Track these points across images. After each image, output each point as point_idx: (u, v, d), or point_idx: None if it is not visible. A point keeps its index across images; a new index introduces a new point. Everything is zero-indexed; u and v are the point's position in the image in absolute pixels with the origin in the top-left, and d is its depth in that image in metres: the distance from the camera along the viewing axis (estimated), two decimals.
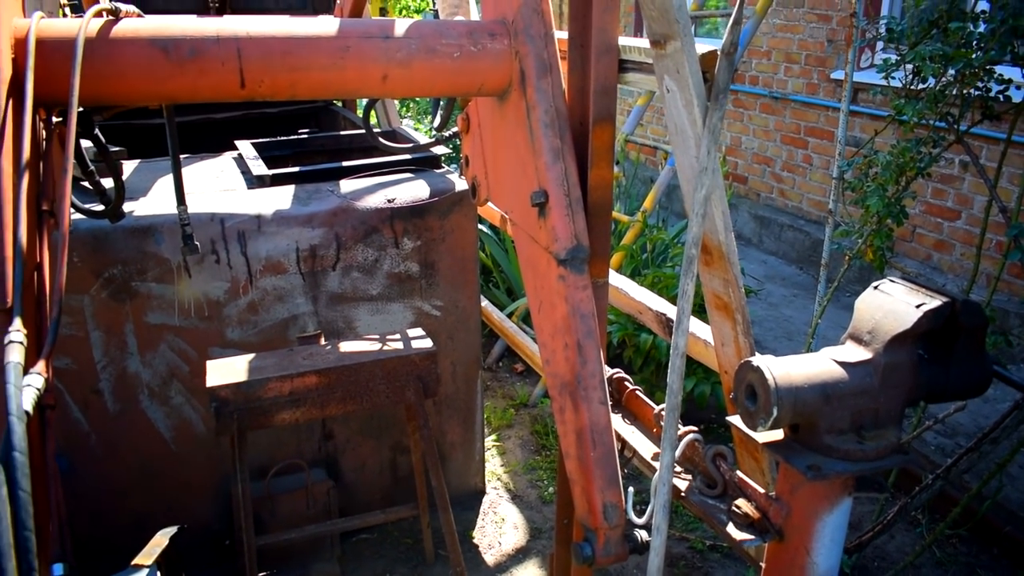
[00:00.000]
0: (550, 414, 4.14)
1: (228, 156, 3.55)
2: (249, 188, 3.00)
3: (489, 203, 2.43)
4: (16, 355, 1.47)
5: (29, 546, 1.22)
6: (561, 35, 2.16)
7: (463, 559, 2.75)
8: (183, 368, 2.79)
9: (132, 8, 1.92)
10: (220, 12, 5.05)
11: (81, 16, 1.83)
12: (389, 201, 2.90)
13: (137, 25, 1.91)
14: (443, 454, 3.33)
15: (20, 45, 1.74)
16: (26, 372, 1.41)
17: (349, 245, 2.86)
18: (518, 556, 3.19)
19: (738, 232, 7.33)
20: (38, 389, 1.42)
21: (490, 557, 3.19)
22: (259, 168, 3.10)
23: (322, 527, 2.85)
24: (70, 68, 1.76)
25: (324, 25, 2.03)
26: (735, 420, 1.62)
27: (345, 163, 3.17)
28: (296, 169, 3.10)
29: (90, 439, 2.79)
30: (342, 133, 3.94)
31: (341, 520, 2.96)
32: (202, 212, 2.68)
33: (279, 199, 2.85)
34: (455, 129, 2.82)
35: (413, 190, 2.98)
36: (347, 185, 3.03)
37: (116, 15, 1.87)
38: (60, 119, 1.93)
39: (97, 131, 2.18)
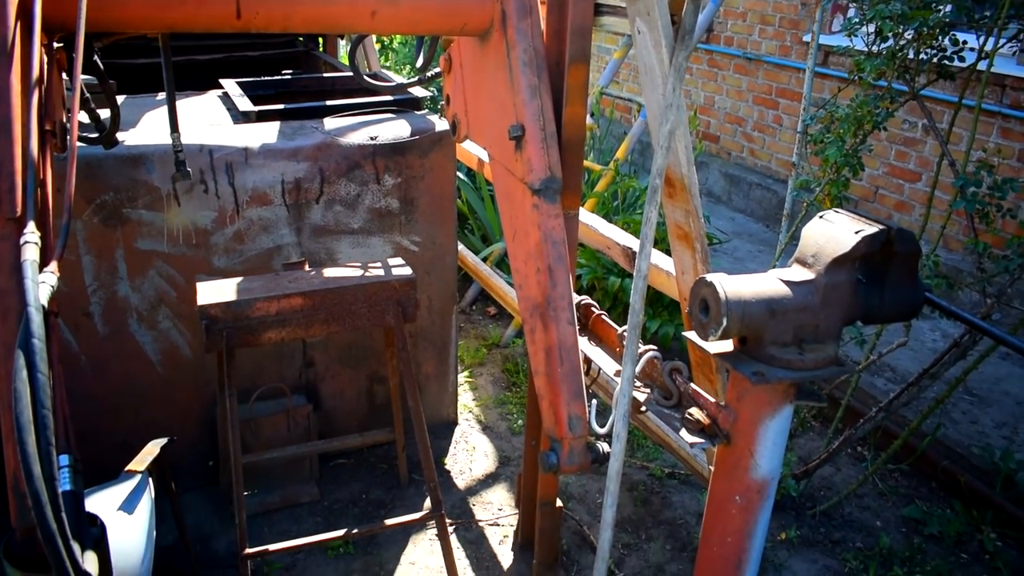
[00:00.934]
0: (521, 354, 4.31)
1: (213, 94, 3.63)
2: (235, 123, 3.09)
3: (468, 140, 2.56)
4: (32, 253, 1.59)
5: (47, 423, 1.34)
6: None
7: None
8: (171, 294, 2.91)
9: None
10: None
11: None
12: (372, 138, 3.02)
13: None
14: (419, 385, 3.48)
15: None
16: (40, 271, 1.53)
17: (332, 179, 2.98)
18: (488, 481, 3.37)
19: (708, 190, 7.50)
20: (52, 285, 1.55)
21: (461, 481, 3.37)
22: (245, 104, 3.19)
23: (302, 448, 3.01)
24: None
25: None
26: (690, 335, 1.79)
27: (329, 102, 3.27)
28: (281, 106, 3.20)
29: (80, 360, 2.90)
30: (325, 75, 4.02)
31: (320, 442, 3.12)
32: (191, 143, 2.78)
33: (265, 134, 2.95)
34: (437, 70, 2.93)
35: (395, 129, 3.10)
36: (331, 123, 3.13)
37: None
38: (61, 44, 2.02)
39: (97, 58, 2.27)
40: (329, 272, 2.60)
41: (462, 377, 4.12)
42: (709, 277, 1.63)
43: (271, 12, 2.09)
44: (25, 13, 1.75)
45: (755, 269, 5.97)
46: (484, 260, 4.66)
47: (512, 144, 2.18)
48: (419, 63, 2.93)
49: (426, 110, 3.39)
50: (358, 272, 2.61)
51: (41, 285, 1.56)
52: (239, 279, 2.54)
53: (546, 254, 2.10)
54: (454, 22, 2.27)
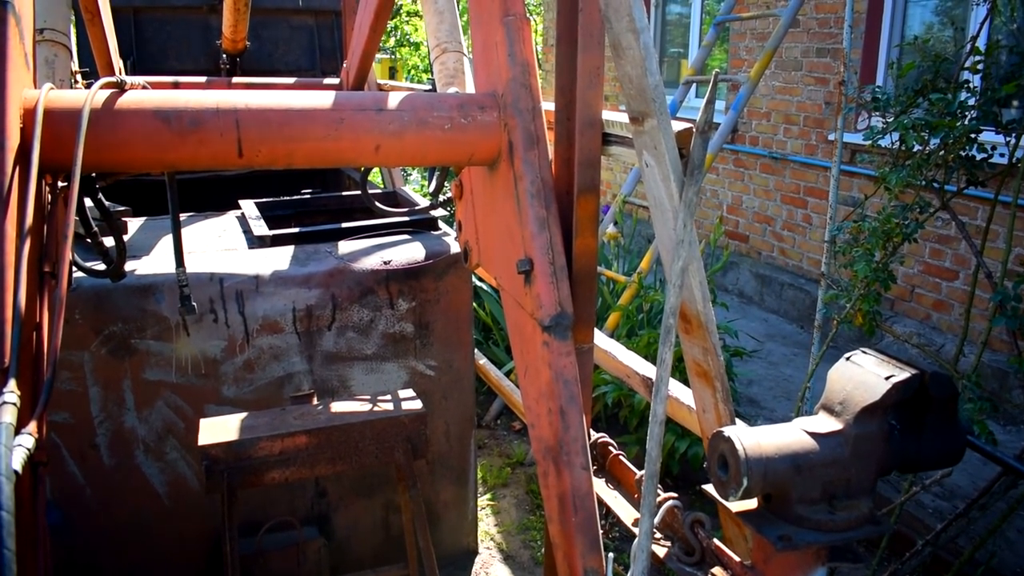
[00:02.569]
0: None
1: (231, 215, 3.63)
2: (250, 248, 3.07)
3: (479, 268, 2.50)
4: (8, 416, 1.52)
5: None
6: (548, 107, 2.24)
7: None
8: (179, 425, 2.83)
9: (139, 80, 2.00)
10: (231, 73, 5.20)
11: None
12: (385, 263, 2.97)
13: (141, 97, 2.01)
14: (436, 514, 3.34)
15: (29, 115, 1.83)
16: (18, 432, 1.46)
17: (345, 306, 2.92)
18: None
19: (739, 290, 7.37)
20: (28, 449, 1.47)
21: None
22: (260, 228, 3.18)
23: None
24: (75, 136, 1.85)
25: (320, 98, 2.12)
26: (710, 488, 1.65)
27: (344, 224, 3.25)
28: (296, 230, 3.18)
29: (85, 492, 2.82)
30: (344, 194, 4.03)
31: None
32: (202, 272, 2.75)
33: (278, 260, 2.92)
34: (450, 194, 2.90)
35: (409, 252, 3.05)
36: (345, 246, 3.10)
37: (122, 87, 1.96)
38: (65, 184, 2.01)
39: (100, 196, 2.26)
40: (337, 407, 2.51)
41: (484, 500, 3.96)
42: (727, 431, 1.51)
43: (273, 149, 2.07)
44: (24, 156, 1.73)
45: (790, 375, 5.78)
46: (507, 374, 4.55)
47: (521, 277, 2.11)
48: (431, 187, 2.91)
49: (442, 230, 3.35)
50: (367, 406, 2.52)
51: (16, 449, 1.48)
52: (243, 415, 2.46)
53: (558, 395, 2.00)
54: (461, 153, 2.24)
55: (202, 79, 4.51)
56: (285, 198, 3.80)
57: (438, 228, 3.37)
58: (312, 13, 5.61)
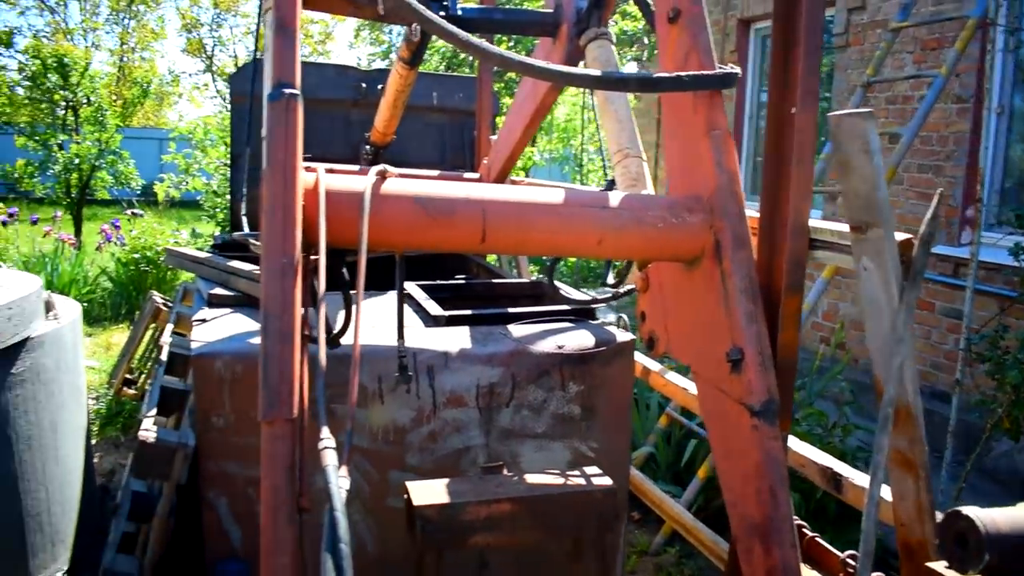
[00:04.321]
0: (673, 563, 4.21)
1: (392, 295, 3.90)
2: (426, 326, 3.32)
3: (666, 355, 2.69)
4: (333, 459, 1.76)
5: None
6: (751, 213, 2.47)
7: None
8: (365, 488, 3.03)
9: (394, 169, 2.28)
10: (373, 163, 5.60)
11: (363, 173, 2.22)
12: (559, 347, 3.18)
13: (402, 184, 2.29)
14: None
15: (309, 195, 2.12)
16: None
17: (523, 385, 3.13)
18: None
19: (834, 397, 7.39)
20: (347, 489, 1.70)
21: None
22: (435, 309, 3.43)
23: None
24: (353, 216, 2.13)
25: (552, 194, 2.38)
26: (938, 567, 1.78)
27: (511, 309, 3.48)
28: (469, 312, 3.42)
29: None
30: (494, 281, 4.29)
31: None
32: (395, 345, 2.99)
33: (459, 339, 3.16)
34: (629, 287, 3.12)
35: (579, 339, 3.26)
36: (515, 330, 3.32)
37: (384, 175, 2.24)
38: (313, 255, 2.29)
39: (344, 270, 2.53)
40: (531, 478, 2.68)
41: None
42: (965, 510, 1.65)
43: (510, 237, 2.32)
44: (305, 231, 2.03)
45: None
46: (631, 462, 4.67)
47: (725, 365, 2.29)
48: (610, 279, 3.14)
49: (600, 319, 3.57)
50: (558, 479, 2.69)
51: (340, 489, 1.70)
52: (446, 480, 2.64)
53: (768, 475, 2.14)
54: (669, 249, 2.46)
55: (354, 167, 4.88)
56: (442, 282, 4.07)
57: (595, 317, 3.58)
58: (445, 111, 6.03)
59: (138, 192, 12.85)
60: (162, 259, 9.02)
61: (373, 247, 2.36)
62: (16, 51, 15.78)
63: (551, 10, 3.61)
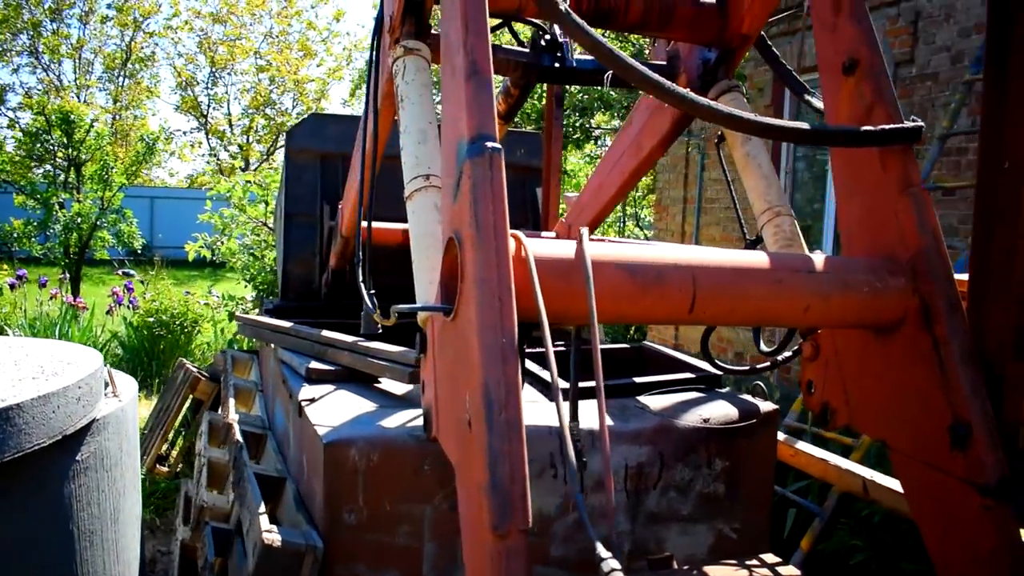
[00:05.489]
0: None
1: None
2: (551, 400, 3.05)
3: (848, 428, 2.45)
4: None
5: None
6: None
7: None
8: None
9: (585, 230, 2.05)
10: None
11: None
12: (704, 420, 2.93)
13: (604, 248, 2.05)
14: None
15: (516, 262, 1.88)
16: None
17: (671, 464, 2.86)
18: None
19: None
20: None
21: None
22: (560, 381, 3.16)
23: None
24: (560, 286, 1.89)
25: (757, 258, 2.16)
26: None
27: (637, 379, 3.23)
28: (591, 384, 3.15)
29: None
30: (602, 347, 4.02)
31: None
32: (539, 424, 2.72)
33: (596, 414, 2.88)
34: (787, 353, 2.89)
35: (720, 410, 3.01)
36: (647, 401, 3.06)
37: (581, 239, 2.01)
38: None
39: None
40: (710, 570, 2.42)
41: None
42: None
43: (719, 306, 2.10)
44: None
45: None
46: None
47: (942, 440, 2.11)
48: (762, 348, 2.91)
49: (728, 388, 3.32)
50: (725, 571, 2.43)
51: None
52: None
53: (1004, 559, 1.96)
54: (871, 315, 2.25)
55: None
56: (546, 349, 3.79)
57: (723, 386, 3.33)
58: (512, 167, 5.81)
59: (139, 252, 12.49)
60: (177, 321, 8.67)
61: (570, 321, 2.12)
62: (7, 108, 15.53)
63: (662, 62, 3.43)
